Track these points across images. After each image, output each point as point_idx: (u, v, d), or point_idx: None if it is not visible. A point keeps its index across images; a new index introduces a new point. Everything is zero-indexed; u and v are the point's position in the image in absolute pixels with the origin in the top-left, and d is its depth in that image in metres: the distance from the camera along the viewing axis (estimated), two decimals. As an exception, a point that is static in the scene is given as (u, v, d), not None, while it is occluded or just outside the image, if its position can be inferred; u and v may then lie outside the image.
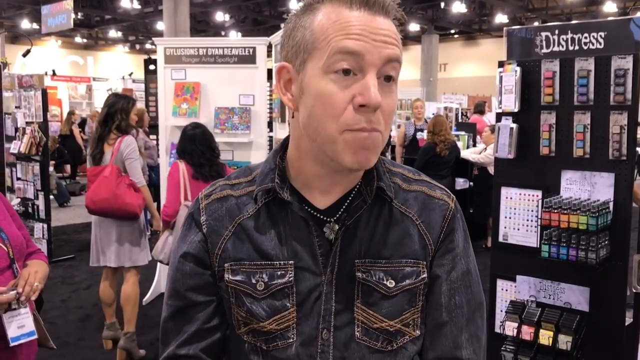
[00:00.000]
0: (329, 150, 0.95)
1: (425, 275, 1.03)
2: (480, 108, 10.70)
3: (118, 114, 4.05)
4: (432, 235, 1.05)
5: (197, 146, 3.81)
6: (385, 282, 1.01)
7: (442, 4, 18.43)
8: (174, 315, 1.08)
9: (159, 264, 5.34)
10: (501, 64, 3.10)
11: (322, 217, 1.03)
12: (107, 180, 3.91)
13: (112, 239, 4.03)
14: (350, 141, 0.93)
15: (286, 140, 1.08)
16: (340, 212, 1.03)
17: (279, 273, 1.02)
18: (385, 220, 1.04)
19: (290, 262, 1.02)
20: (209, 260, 1.06)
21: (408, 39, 23.88)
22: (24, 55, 7.47)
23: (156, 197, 7.16)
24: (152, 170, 7.28)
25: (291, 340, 1.01)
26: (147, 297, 5.17)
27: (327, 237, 1.02)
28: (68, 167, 12.66)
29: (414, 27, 20.59)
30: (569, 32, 2.96)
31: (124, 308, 4.13)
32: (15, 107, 6.62)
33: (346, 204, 1.03)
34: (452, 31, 23.95)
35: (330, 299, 1.01)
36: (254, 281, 1.02)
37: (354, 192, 1.04)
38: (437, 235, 1.05)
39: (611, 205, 2.78)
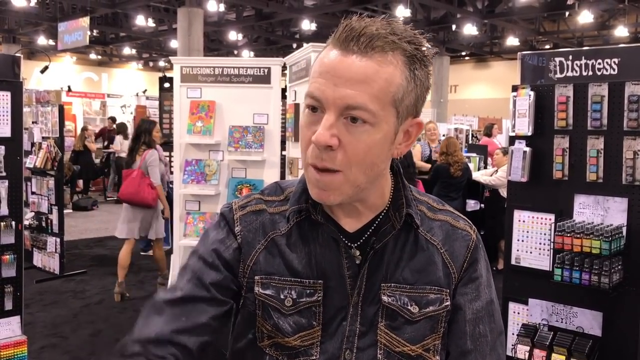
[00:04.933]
0: (306, 176, 1.01)
1: (448, 302, 1.06)
2: (488, 131, 10.72)
3: (143, 134, 5.77)
4: (455, 264, 1.07)
5: None
6: (409, 307, 1.04)
7: (454, 27, 18.54)
8: (184, 300, 1.03)
9: (169, 281, 5.37)
10: (515, 88, 3.13)
11: (347, 241, 1.05)
12: (134, 180, 5.58)
13: (137, 219, 5.66)
14: (310, 177, 0.98)
15: None
16: (366, 236, 1.05)
17: (308, 291, 1.04)
18: (411, 246, 1.06)
19: (320, 281, 1.04)
20: (238, 269, 1.07)
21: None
22: (42, 71, 7.57)
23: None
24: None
25: (314, 357, 1.04)
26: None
27: (355, 260, 1.04)
28: (81, 182, 12.74)
29: (425, 48, 20.65)
30: (583, 57, 2.99)
31: (158, 263, 6.04)
32: (32, 122, 6.72)
33: (373, 228, 1.06)
34: (463, 53, 24.04)
35: (355, 321, 1.04)
36: (282, 297, 1.04)
37: (381, 217, 1.06)
38: (460, 265, 1.07)
39: (624, 230, 2.78)
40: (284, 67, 5.18)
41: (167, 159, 7.71)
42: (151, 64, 27.35)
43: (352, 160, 0.94)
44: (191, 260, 1.08)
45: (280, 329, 1.04)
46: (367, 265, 1.04)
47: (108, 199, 13.13)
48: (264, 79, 5.04)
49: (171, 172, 6.28)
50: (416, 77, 0.96)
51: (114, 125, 13.86)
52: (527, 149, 3.08)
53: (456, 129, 12.36)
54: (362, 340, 1.04)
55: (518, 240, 3.17)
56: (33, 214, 6.78)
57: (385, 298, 1.04)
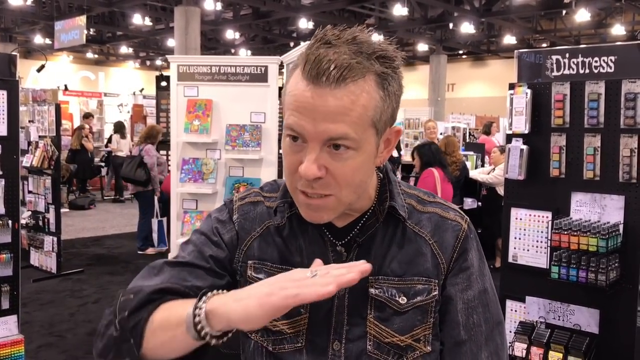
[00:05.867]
0: (294, 197, 1.03)
1: (436, 292, 1.07)
2: (486, 129, 10.76)
3: None
4: (444, 254, 1.08)
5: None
6: (397, 299, 1.05)
7: (451, 25, 18.54)
8: (184, 264, 1.07)
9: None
10: (512, 86, 3.13)
11: (332, 238, 1.08)
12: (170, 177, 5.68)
13: None
14: (300, 201, 1.01)
15: None
16: (352, 233, 1.08)
17: None
18: (398, 239, 1.08)
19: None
20: (234, 254, 1.11)
21: (416, 59, 24.01)
22: (39, 70, 7.56)
23: (165, 212, 7.23)
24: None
25: (299, 345, 1.06)
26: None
27: (341, 254, 1.07)
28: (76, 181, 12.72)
29: (422, 47, 20.73)
30: (580, 55, 2.99)
31: None
32: (29, 121, 6.71)
33: (360, 224, 1.08)
34: (461, 52, 24.05)
35: (342, 312, 1.06)
36: None
37: (369, 213, 1.09)
38: (449, 255, 1.08)
39: (621, 227, 2.79)
40: (281, 66, 5.18)
41: (164, 158, 7.73)
42: (148, 62, 27.31)
43: (341, 183, 0.97)
44: (194, 236, 1.14)
45: None
46: (352, 258, 1.06)
47: (105, 198, 13.12)
48: (261, 77, 5.03)
49: (168, 172, 6.32)
50: (390, 92, 0.98)
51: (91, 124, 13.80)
52: (524, 147, 3.08)
53: (453, 128, 12.37)
54: (351, 332, 1.06)
55: (515, 238, 3.18)
56: (30, 213, 6.77)
57: (372, 290, 1.06)
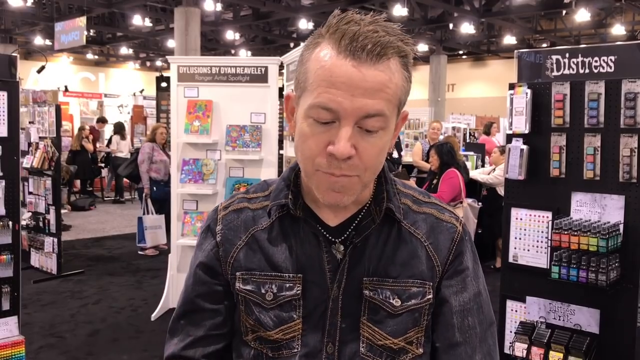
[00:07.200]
0: (309, 182, 1.02)
1: (430, 296, 1.06)
2: (487, 129, 10.77)
3: None
4: (440, 257, 1.07)
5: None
6: (391, 301, 1.04)
7: (451, 25, 18.53)
8: (182, 316, 1.14)
9: (167, 281, 5.36)
10: (512, 86, 3.13)
11: (329, 236, 1.06)
12: None
13: None
14: (322, 182, 0.98)
15: None
16: (348, 232, 1.06)
17: (287, 285, 1.06)
18: (394, 240, 1.07)
19: (299, 275, 1.06)
20: (221, 268, 1.10)
21: (416, 59, 23.90)
22: (39, 71, 7.55)
23: (161, 210, 7.22)
24: (156, 184, 7.32)
25: (295, 350, 1.05)
26: (156, 313, 5.18)
27: (335, 255, 1.05)
28: (77, 182, 12.73)
29: (422, 47, 20.71)
30: (580, 55, 2.99)
31: None
32: (29, 122, 6.71)
33: (355, 223, 1.06)
34: (461, 52, 24.05)
35: (335, 314, 1.05)
36: (263, 291, 1.07)
37: (363, 212, 1.07)
38: (445, 257, 1.07)
39: (621, 227, 2.79)
40: (281, 66, 5.18)
41: (163, 156, 7.72)
42: (148, 63, 27.30)
43: (367, 164, 0.96)
44: (186, 275, 1.17)
45: (262, 323, 1.07)
46: (347, 260, 1.05)
47: (106, 198, 13.12)
48: (261, 78, 5.04)
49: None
50: (409, 75, 0.99)
51: (103, 128, 13.88)
52: (524, 147, 3.08)
53: (454, 128, 12.36)
54: (344, 334, 1.05)
55: (515, 238, 3.18)
56: (30, 214, 6.77)
57: (366, 292, 1.05)
